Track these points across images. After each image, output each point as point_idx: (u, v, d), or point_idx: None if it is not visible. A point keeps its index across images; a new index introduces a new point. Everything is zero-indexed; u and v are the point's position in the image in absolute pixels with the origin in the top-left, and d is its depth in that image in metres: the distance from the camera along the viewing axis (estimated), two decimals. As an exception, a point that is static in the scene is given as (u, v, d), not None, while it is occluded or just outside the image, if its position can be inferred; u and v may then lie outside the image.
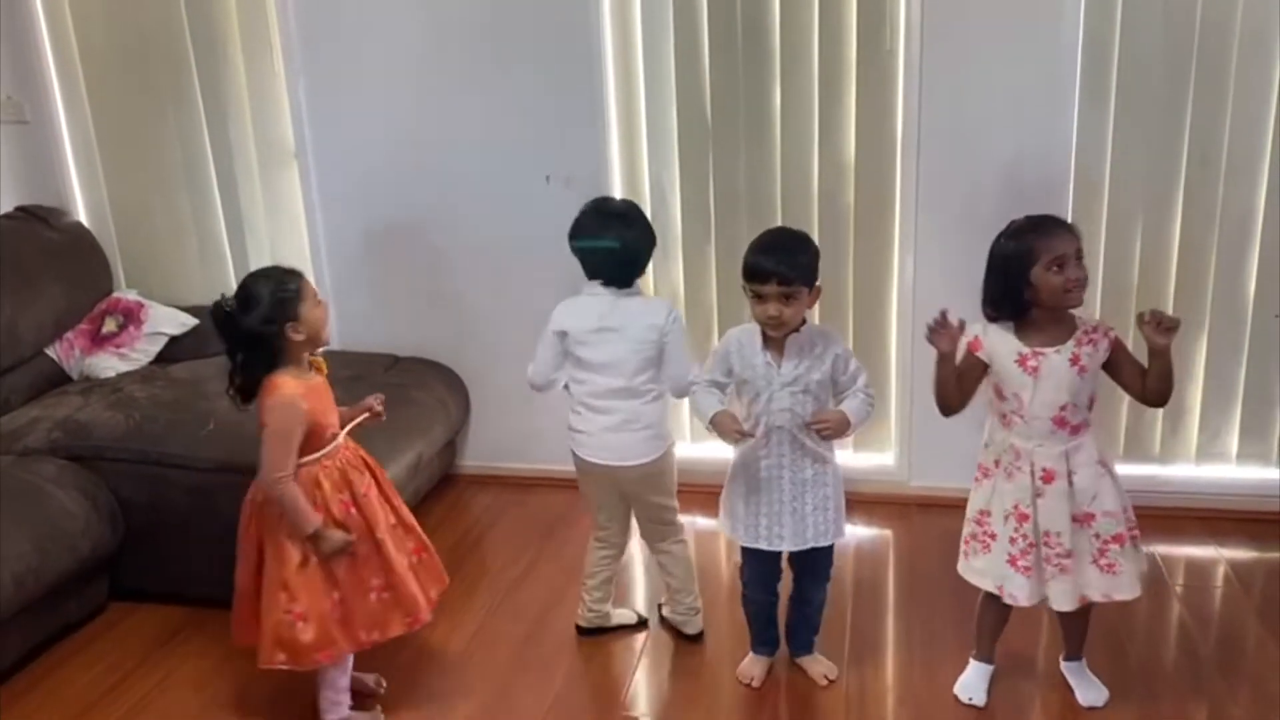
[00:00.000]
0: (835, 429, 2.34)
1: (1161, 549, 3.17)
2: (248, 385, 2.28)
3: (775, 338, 2.36)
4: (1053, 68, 3.11)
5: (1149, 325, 2.19)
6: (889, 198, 3.34)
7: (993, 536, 2.37)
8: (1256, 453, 3.36)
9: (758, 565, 2.55)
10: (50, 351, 3.51)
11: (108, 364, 3.48)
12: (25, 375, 3.40)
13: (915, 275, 3.33)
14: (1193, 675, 2.60)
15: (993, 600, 2.44)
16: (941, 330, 2.29)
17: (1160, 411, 3.35)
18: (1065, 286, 2.22)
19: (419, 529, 2.51)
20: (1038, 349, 2.27)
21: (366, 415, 2.47)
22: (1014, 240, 2.28)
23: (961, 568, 2.46)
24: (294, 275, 2.31)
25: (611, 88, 3.41)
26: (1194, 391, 3.34)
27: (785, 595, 2.63)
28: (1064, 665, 2.55)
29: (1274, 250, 3.17)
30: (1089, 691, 2.49)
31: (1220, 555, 3.16)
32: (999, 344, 2.31)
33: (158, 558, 2.98)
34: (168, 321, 3.64)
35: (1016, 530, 2.33)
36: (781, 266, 2.27)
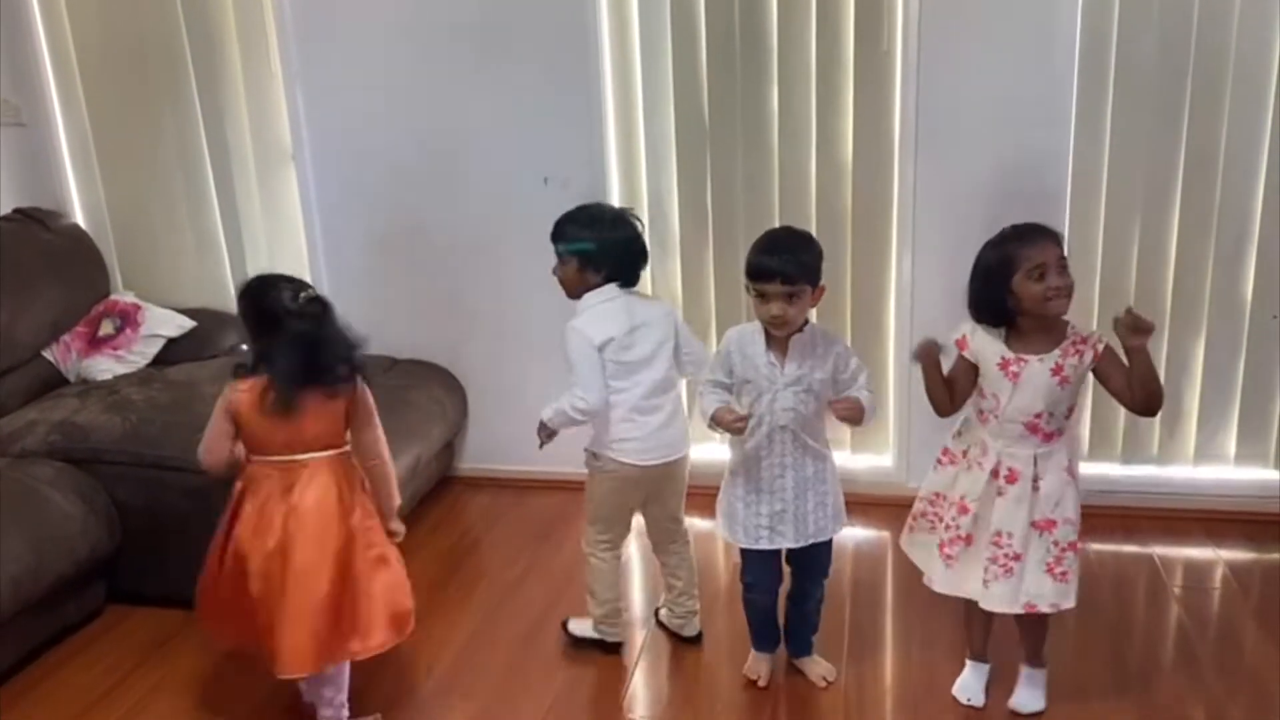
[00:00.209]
0: (850, 411, 2.34)
1: (1159, 550, 3.18)
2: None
3: (778, 337, 2.36)
4: (1050, 69, 3.12)
5: (1123, 325, 2.19)
6: (886, 199, 3.34)
7: (939, 519, 2.43)
8: (1254, 454, 3.36)
9: (759, 566, 2.54)
10: (47, 354, 3.50)
11: (105, 366, 3.47)
12: (22, 378, 3.39)
13: (913, 277, 3.33)
14: (1191, 676, 2.60)
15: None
16: (925, 350, 2.37)
17: (1159, 414, 3.35)
18: (1046, 295, 2.22)
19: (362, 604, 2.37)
20: (1021, 355, 2.28)
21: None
22: (995, 249, 2.29)
23: (904, 540, 2.55)
24: None
25: (609, 90, 3.42)
26: (1192, 393, 3.34)
27: (783, 594, 2.62)
28: (1021, 666, 2.53)
29: (1271, 252, 3.18)
30: (1022, 694, 2.48)
31: (1218, 556, 3.16)
32: (985, 345, 2.33)
33: (155, 560, 2.97)
34: (165, 324, 3.63)
35: (954, 520, 2.38)
36: (787, 266, 2.28)
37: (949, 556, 2.39)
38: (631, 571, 3.17)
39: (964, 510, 2.36)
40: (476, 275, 3.62)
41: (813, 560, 2.54)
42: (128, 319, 3.60)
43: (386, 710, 2.56)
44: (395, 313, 3.72)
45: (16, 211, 3.65)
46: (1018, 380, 2.28)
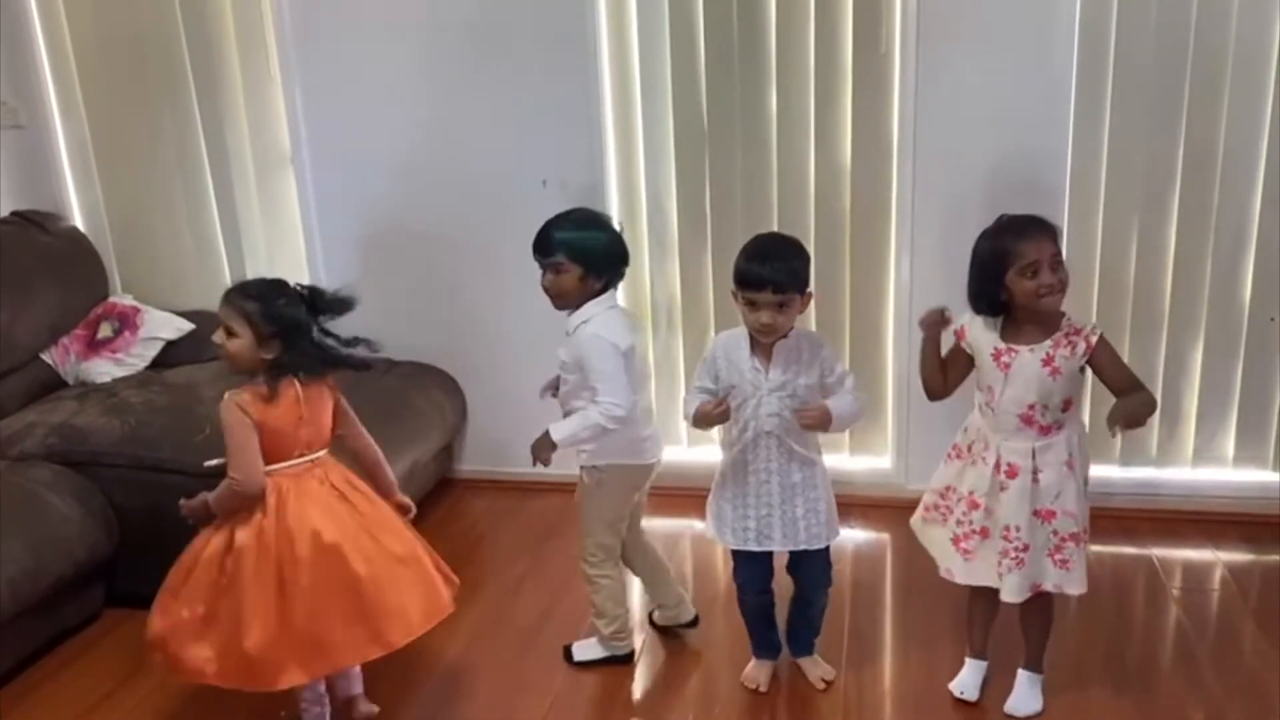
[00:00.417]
0: (816, 420, 2.33)
1: (1158, 552, 3.18)
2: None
3: (764, 343, 2.36)
4: (1048, 70, 3.12)
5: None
6: (885, 201, 3.35)
7: (949, 512, 2.44)
8: (1253, 456, 3.36)
9: (749, 567, 2.54)
10: (46, 356, 3.50)
11: (103, 369, 3.47)
12: (21, 380, 3.39)
13: (911, 278, 3.33)
14: (1190, 678, 2.60)
15: (979, 594, 2.47)
16: (931, 317, 2.39)
17: (1157, 415, 3.35)
18: (1038, 291, 2.22)
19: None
20: (1013, 346, 2.29)
21: None
22: (991, 241, 2.29)
23: (915, 522, 2.55)
24: None
25: (608, 92, 3.42)
26: (1190, 395, 3.34)
27: (785, 598, 2.62)
28: (1019, 670, 2.53)
29: (1269, 254, 3.18)
30: (1018, 698, 2.48)
31: (1217, 558, 3.16)
32: (981, 336, 2.35)
33: (153, 563, 2.94)
34: (163, 326, 3.63)
35: (965, 515, 2.39)
36: (778, 275, 2.27)
37: (966, 551, 2.40)
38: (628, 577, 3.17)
39: (974, 505, 2.37)
40: (475, 278, 3.62)
41: (811, 570, 2.54)
42: (126, 321, 3.60)
43: (387, 711, 2.56)
44: (394, 315, 3.69)
45: (15, 214, 3.65)
46: (1008, 371, 2.29)
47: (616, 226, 2.56)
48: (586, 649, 2.76)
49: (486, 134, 3.49)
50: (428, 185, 3.58)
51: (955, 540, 2.42)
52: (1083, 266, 3.23)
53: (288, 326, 2.29)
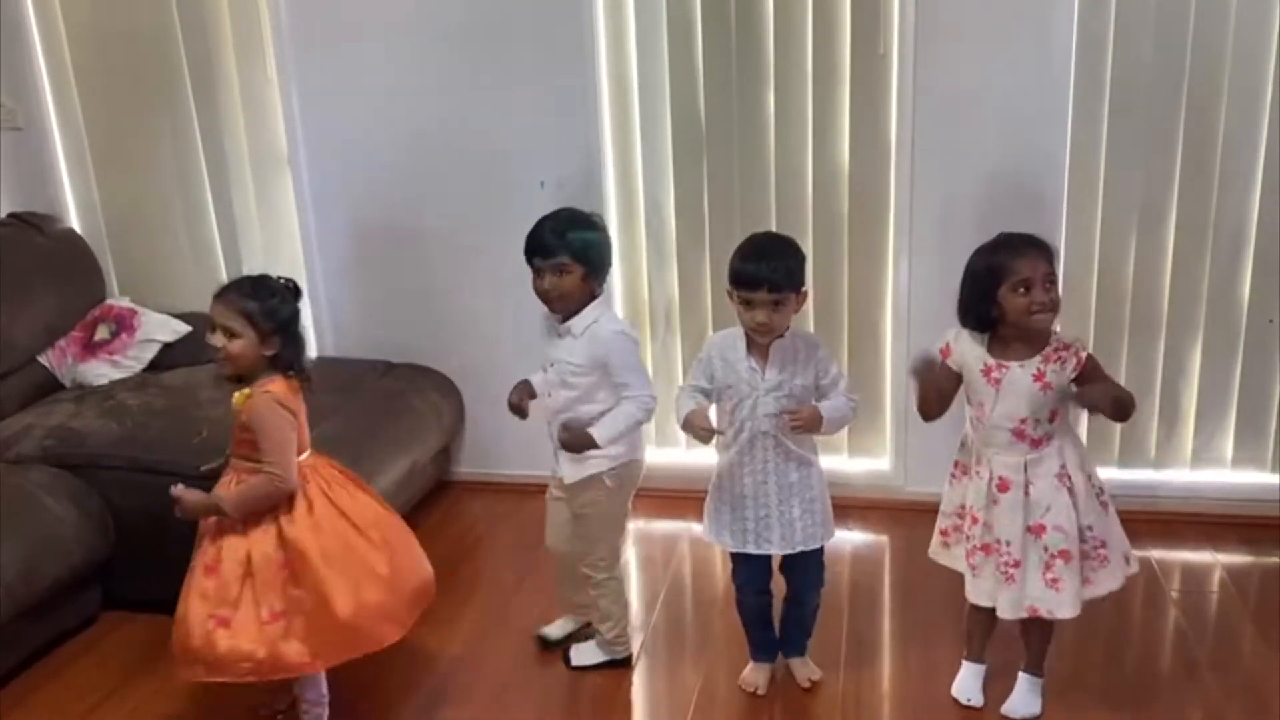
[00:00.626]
0: (806, 422, 2.32)
1: (1157, 554, 3.17)
2: None
3: (760, 343, 2.36)
4: (1047, 73, 3.11)
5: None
6: (883, 203, 3.34)
7: (962, 528, 2.44)
8: (1251, 457, 3.36)
9: (748, 569, 2.54)
10: (43, 359, 3.49)
11: (100, 371, 3.46)
12: (17, 382, 3.38)
13: (910, 280, 3.33)
14: (1189, 681, 2.60)
15: (980, 604, 2.46)
16: (921, 368, 2.38)
17: (1155, 416, 3.36)
18: (1030, 309, 2.22)
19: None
20: (1002, 361, 2.29)
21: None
22: (985, 257, 2.30)
23: (935, 553, 2.52)
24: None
25: (605, 93, 3.41)
26: (1189, 396, 3.34)
27: (779, 597, 2.62)
28: (1019, 672, 2.53)
29: (1268, 255, 3.18)
30: (1017, 701, 2.47)
31: (1216, 560, 3.16)
32: (968, 352, 2.34)
33: (150, 566, 2.95)
34: (160, 329, 3.62)
35: (970, 531, 2.39)
36: (774, 274, 2.27)
37: (973, 566, 2.40)
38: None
39: (975, 520, 2.37)
40: (473, 279, 3.61)
41: (804, 570, 2.53)
42: (123, 324, 3.59)
43: (385, 712, 2.56)
44: (391, 317, 3.72)
45: (12, 216, 3.64)
46: (999, 387, 2.29)
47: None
48: (585, 653, 2.75)
49: (484, 136, 3.48)
50: (425, 186, 3.57)
51: (967, 555, 2.41)
52: (1081, 268, 3.23)
53: (286, 321, 2.31)
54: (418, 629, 2.56)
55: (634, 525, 3.47)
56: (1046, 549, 2.31)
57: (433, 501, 3.67)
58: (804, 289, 2.35)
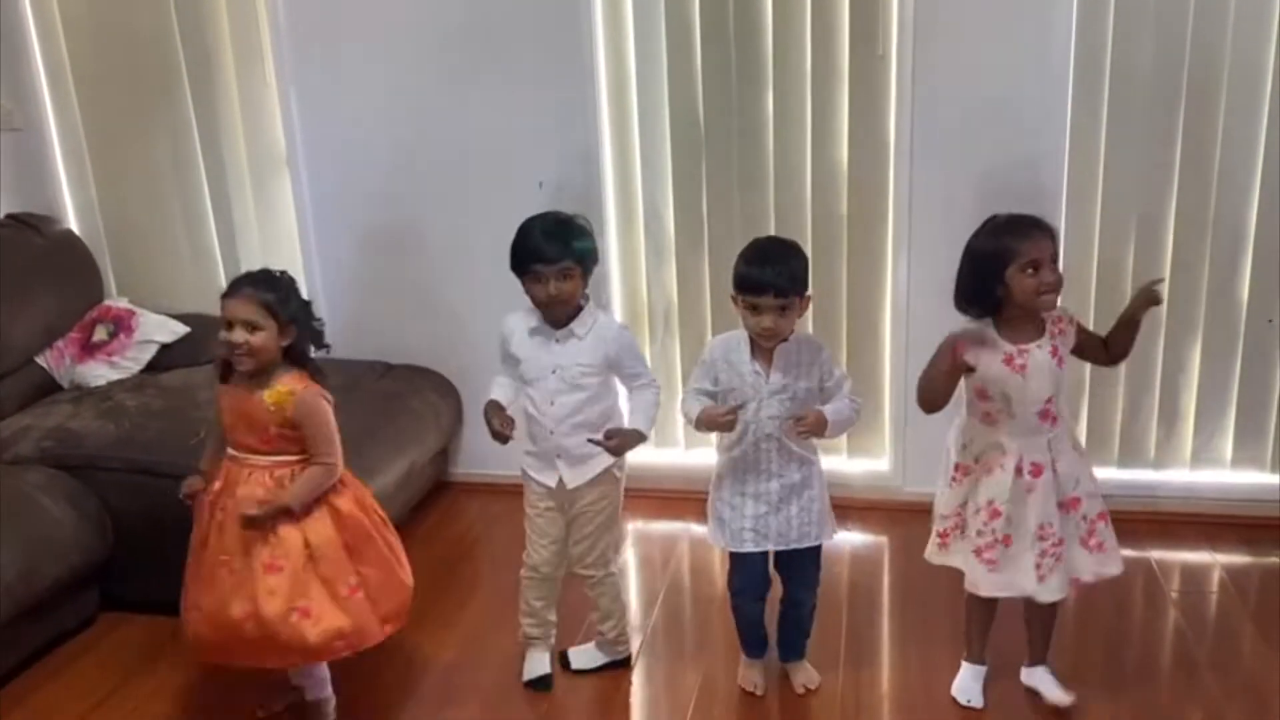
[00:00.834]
0: (812, 427, 2.33)
1: (1157, 554, 3.17)
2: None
3: (764, 347, 2.36)
4: (1045, 72, 3.11)
5: (1149, 298, 2.30)
6: (882, 203, 3.34)
7: (965, 525, 2.42)
8: (1251, 458, 3.36)
9: (747, 569, 2.53)
10: (40, 360, 3.49)
11: (98, 372, 3.46)
12: (15, 384, 3.37)
13: (909, 282, 3.33)
14: (1189, 681, 2.60)
15: (978, 600, 2.46)
16: (958, 349, 2.32)
17: (1155, 416, 3.36)
18: (1038, 290, 2.23)
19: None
20: (1022, 346, 2.29)
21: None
22: (989, 239, 2.29)
23: (931, 556, 2.50)
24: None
25: (604, 94, 3.41)
26: (1188, 396, 3.34)
27: (774, 601, 2.61)
28: (1029, 671, 2.54)
29: (1267, 255, 3.18)
30: (1058, 692, 2.49)
31: (1215, 560, 3.15)
32: (983, 346, 2.32)
33: (148, 567, 2.95)
34: (159, 329, 3.62)
35: (985, 525, 2.36)
36: (780, 278, 2.27)
37: (990, 561, 2.37)
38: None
39: (995, 514, 2.35)
40: (471, 280, 3.61)
41: (801, 568, 2.53)
42: (121, 325, 3.59)
43: (383, 713, 2.55)
44: (390, 318, 3.71)
45: (10, 217, 3.64)
46: (1025, 371, 2.28)
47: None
48: (584, 656, 2.73)
49: (482, 137, 3.48)
50: (424, 187, 3.57)
51: (978, 552, 2.38)
52: (1080, 268, 3.23)
53: (299, 311, 2.33)
54: (417, 629, 2.56)
55: (633, 526, 3.47)
56: (1085, 517, 2.36)
57: (431, 502, 3.66)
58: (808, 293, 2.35)
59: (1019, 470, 2.32)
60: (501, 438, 2.49)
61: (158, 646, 2.87)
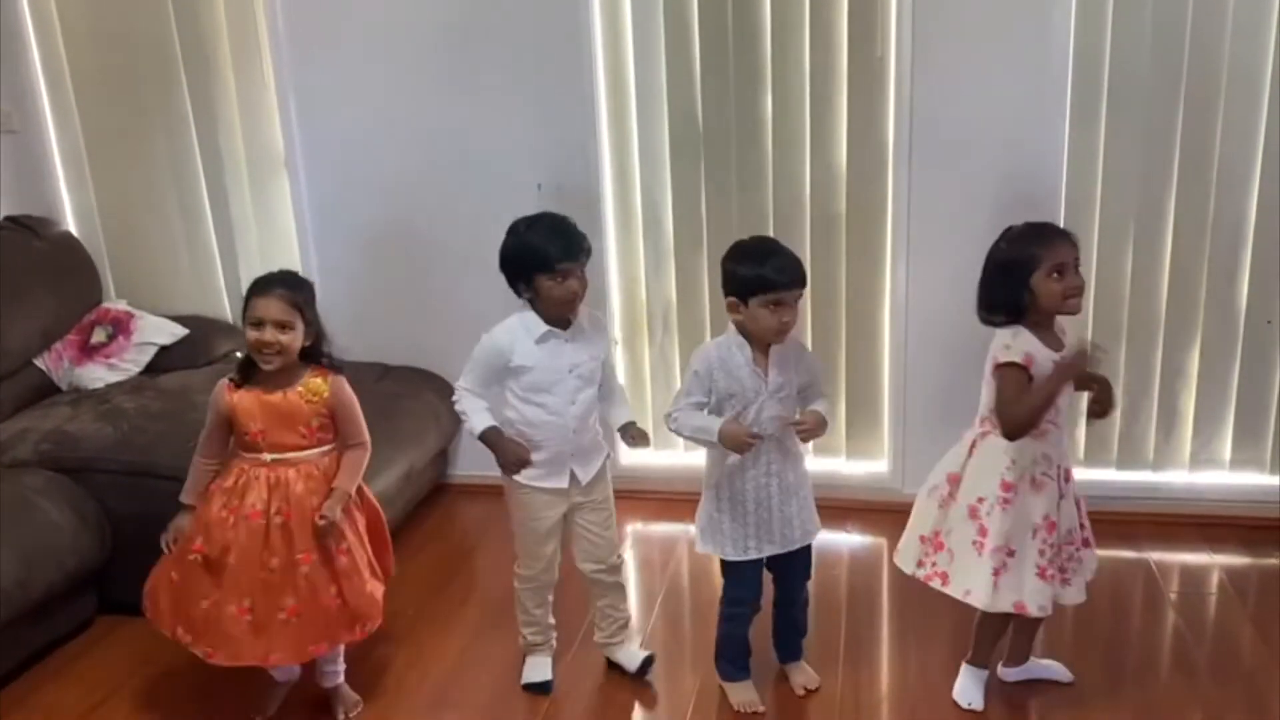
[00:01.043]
0: (812, 429, 2.35)
1: (1156, 556, 3.18)
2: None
3: (759, 348, 2.35)
4: (1044, 76, 3.11)
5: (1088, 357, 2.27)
6: (881, 205, 3.34)
7: (1015, 553, 2.32)
8: (1250, 459, 3.36)
9: (746, 582, 2.49)
10: (39, 362, 3.48)
11: (97, 375, 3.46)
12: (13, 386, 3.37)
13: (908, 283, 3.33)
14: (1188, 682, 2.59)
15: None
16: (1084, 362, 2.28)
17: (1154, 418, 3.36)
18: (1065, 294, 2.24)
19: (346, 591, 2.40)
20: (1058, 351, 2.30)
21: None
22: (1015, 246, 2.29)
23: (990, 603, 2.33)
24: None
25: (603, 96, 3.41)
26: (1188, 398, 3.34)
27: (767, 603, 2.60)
28: (1017, 670, 2.55)
29: (1266, 257, 3.18)
30: (1055, 669, 2.54)
31: (1214, 562, 3.15)
32: (1037, 355, 2.27)
33: (146, 571, 2.94)
34: (157, 332, 3.62)
35: (1045, 541, 2.32)
36: (799, 271, 2.30)
37: (1051, 576, 2.32)
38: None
39: (1052, 528, 2.33)
40: (470, 282, 3.59)
41: (797, 565, 2.53)
42: (120, 327, 3.58)
43: (382, 714, 2.56)
44: (388, 319, 3.71)
45: (8, 219, 3.63)
46: None
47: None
48: (636, 655, 2.69)
49: (481, 139, 3.48)
50: (422, 190, 3.57)
51: (1041, 571, 2.31)
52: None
53: (315, 311, 2.39)
54: (417, 630, 2.55)
55: (632, 527, 3.47)
56: (1084, 511, 2.42)
57: (430, 504, 3.66)
58: None
59: (1059, 478, 2.34)
60: (524, 463, 2.49)
61: (156, 650, 2.85)
